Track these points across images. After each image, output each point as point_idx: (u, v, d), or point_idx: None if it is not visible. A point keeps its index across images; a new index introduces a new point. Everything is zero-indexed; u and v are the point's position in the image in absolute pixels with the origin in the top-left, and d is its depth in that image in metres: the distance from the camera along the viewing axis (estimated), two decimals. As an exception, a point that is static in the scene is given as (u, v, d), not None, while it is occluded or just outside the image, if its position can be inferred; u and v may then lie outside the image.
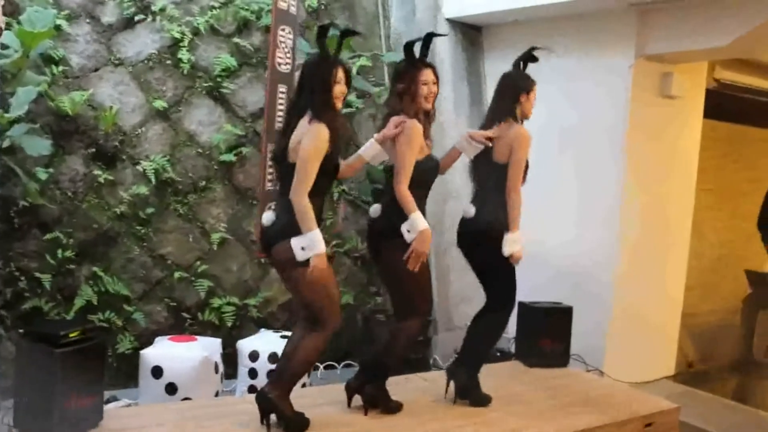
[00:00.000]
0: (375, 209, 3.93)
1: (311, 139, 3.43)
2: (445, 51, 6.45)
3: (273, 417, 3.62)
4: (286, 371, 3.63)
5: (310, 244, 3.39)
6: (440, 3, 6.55)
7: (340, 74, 3.56)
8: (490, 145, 4.14)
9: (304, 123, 3.51)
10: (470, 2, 6.35)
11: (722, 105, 6.99)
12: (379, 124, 4.12)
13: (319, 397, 4.24)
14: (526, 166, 4.12)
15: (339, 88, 3.56)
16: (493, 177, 4.14)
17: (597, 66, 5.74)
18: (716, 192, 7.64)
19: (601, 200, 5.67)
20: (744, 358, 7.31)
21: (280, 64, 4.97)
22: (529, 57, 4.30)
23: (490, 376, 4.68)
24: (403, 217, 3.69)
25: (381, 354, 4.03)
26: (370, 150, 3.85)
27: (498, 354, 5.39)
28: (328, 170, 3.55)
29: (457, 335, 5.95)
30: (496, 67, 6.61)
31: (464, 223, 4.27)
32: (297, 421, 3.65)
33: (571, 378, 5.05)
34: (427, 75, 3.90)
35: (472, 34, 6.69)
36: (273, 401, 3.58)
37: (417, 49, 3.92)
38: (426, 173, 3.89)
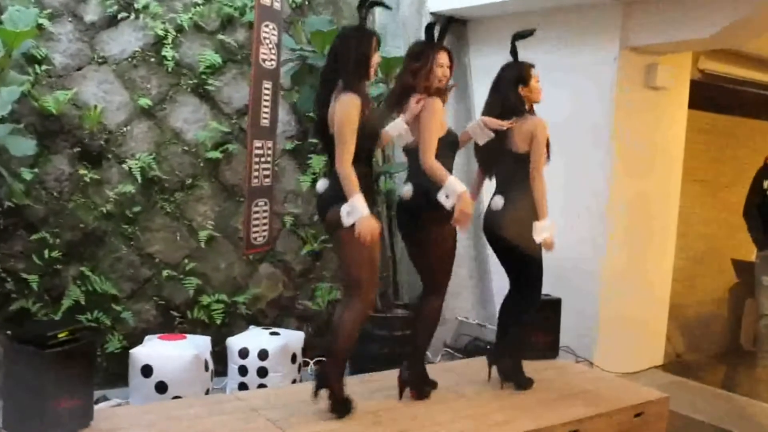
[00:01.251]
0: (408, 189, 4.01)
1: (342, 110, 3.55)
2: (430, 45, 6.44)
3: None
4: (333, 348, 3.77)
5: (351, 209, 3.50)
6: (425, -3, 6.54)
7: (374, 44, 3.71)
8: (504, 127, 4.21)
9: (335, 95, 3.63)
10: (455, -5, 6.35)
11: (707, 96, 7.03)
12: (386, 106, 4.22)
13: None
14: (548, 148, 4.27)
15: (375, 58, 3.70)
16: (516, 168, 4.26)
17: (582, 58, 5.76)
18: (701, 183, 7.68)
19: (588, 192, 5.70)
20: (732, 347, 7.37)
21: (264, 61, 4.95)
22: (520, 37, 4.36)
23: (479, 369, 4.70)
24: (437, 189, 3.79)
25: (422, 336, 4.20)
26: (396, 128, 3.99)
27: (488, 347, 5.41)
28: (369, 135, 3.67)
29: (447, 328, 5.99)
30: (481, 60, 6.63)
31: (492, 214, 4.36)
32: (343, 404, 3.81)
33: (561, 370, 5.07)
34: (443, 57, 4.03)
35: (457, 27, 6.68)
36: (328, 379, 3.75)
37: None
38: (446, 148, 4.00)
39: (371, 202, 3.67)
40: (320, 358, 5.68)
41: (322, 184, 3.77)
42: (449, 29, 4.18)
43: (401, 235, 4.26)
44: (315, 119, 3.85)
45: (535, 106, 4.37)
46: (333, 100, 3.64)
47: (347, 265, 3.78)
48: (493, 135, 4.24)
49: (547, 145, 4.27)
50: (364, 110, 3.59)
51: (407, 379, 4.16)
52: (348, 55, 3.65)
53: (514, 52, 4.36)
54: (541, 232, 4.17)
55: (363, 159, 3.66)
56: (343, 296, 3.90)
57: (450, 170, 3.96)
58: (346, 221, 3.51)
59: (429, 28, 4.10)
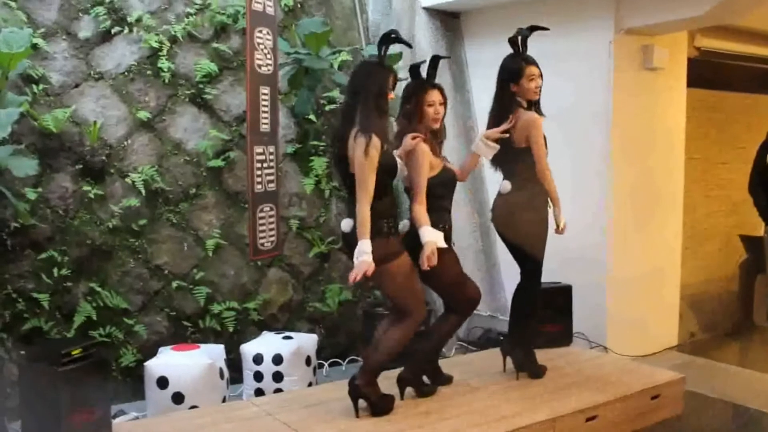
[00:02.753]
0: (404, 224, 4.08)
1: (362, 154, 3.60)
2: (424, 40, 6.44)
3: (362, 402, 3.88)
4: (371, 360, 3.88)
5: (358, 252, 3.59)
6: (417, -8, 6.54)
7: (393, 81, 3.78)
8: (507, 135, 4.27)
9: (354, 133, 3.68)
10: (446, -11, 6.34)
11: (705, 73, 7.00)
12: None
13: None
14: (545, 144, 4.30)
15: (390, 95, 3.77)
16: (518, 160, 4.31)
17: (578, 44, 5.75)
18: (702, 160, 7.66)
19: (592, 177, 5.68)
20: (744, 324, 7.35)
21: (260, 66, 4.95)
22: (522, 37, 4.36)
23: (493, 361, 4.71)
24: (434, 227, 3.88)
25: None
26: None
27: (500, 337, 5.40)
28: (388, 170, 3.74)
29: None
30: (476, 52, 6.63)
31: (499, 200, 4.42)
32: (381, 404, 3.89)
33: (575, 356, 5.07)
34: (433, 96, 4.06)
35: (450, 21, 6.68)
36: (359, 388, 3.84)
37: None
38: (441, 187, 4.08)
39: (396, 228, 3.85)
40: (335, 360, 5.71)
41: (347, 224, 3.81)
42: (437, 65, 4.18)
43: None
44: (334, 153, 3.95)
45: None
46: (352, 137, 3.67)
47: (390, 296, 3.96)
48: (498, 147, 4.29)
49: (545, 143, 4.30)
50: (383, 147, 3.65)
51: (405, 378, 4.16)
52: (366, 92, 3.70)
53: (514, 44, 4.34)
54: (561, 218, 4.30)
55: (385, 192, 3.75)
56: (390, 313, 4.02)
57: (446, 208, 4.14)
58: (356, 261, 3.59)
59: (413, 69, 4.15)
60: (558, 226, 4.33)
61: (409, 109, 4.07)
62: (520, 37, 4.33)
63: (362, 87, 3.74)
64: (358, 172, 3.63)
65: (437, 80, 4.17)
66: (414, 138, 3.97)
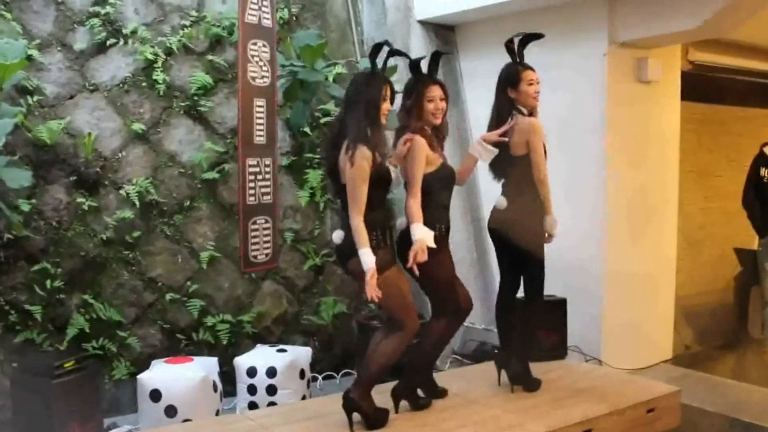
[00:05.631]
0: (401, 221, 4.07)
1: (353, 166, 3.59)
2: (419, 52, 6.45)
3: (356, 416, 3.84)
4: (365, 372, 3.86)
5: (360, 261, 3.57)
6: (411, 5, 6.55)
7: (387, 91, 3.75)
8: (506, 140, 4.24)
9: (346, 144, 3.67)
10: (441, 2, 6.36)
11: (699, 86, 7.04)
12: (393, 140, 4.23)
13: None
14: (544, 151, 4.26)
15: (386, 105, 3.73)
16: (516, 170, 4.28)
17: (573, 57, 5.77)
18: (696, 173, 7.69)
19: (587, 189, 5.69)
20: (739, 336, 7.35)
21: (254, 78, 4.95)
22: (519, 44, 4.36)
23: (488, 374, 4.69)
24: (430, 225, 3.84)
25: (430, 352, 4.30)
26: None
27: (495, 350, 5.39)
28: (380, 183, 3.71)
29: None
30: (471, 65, 6.64)
31: (497, 214, 4.40)
32: (376, 417, 3.86)
33: (570, 369, 5.06)
34: (433, 91, 4.05)
35: (445, 33, 6.70)
36: (354, 401, 3.80)
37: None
38: (438, 183, 4.04)
39: (389, 243, 3.79)
40: (329, 373, 5.69)
41: (338, 236, 3.79)
42: (439, 61, 4.19)
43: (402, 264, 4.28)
44: (327, 164, 3.94)
45: None
46: (343, 147, 3.67)
47: (382, 307, 3.93)
48: (496, 151, 4.25)
49: (544, 151, 4.28)
50: (375, 158, 3.63)
51: (400, 391, 4.13)
52: (358, 103, 3.70)
53: (512, 52, 4.34)
54: (552, 223, 4.26)
55: (378, 204, 3.72)
56: (383, 325, 4.00)
57: (444, 206, 4.10)
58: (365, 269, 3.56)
59: (413, 65, 4.14)
60: (548, 233, 4.30)
61: (409, 104, 4.05)
62: (516, 43, 4.32)
63: (354, 97, 3.74)
64: (349, 183, 3.62)
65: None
66: (405, 142, 3.96)
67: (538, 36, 4.36)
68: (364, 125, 3.65)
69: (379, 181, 3.69)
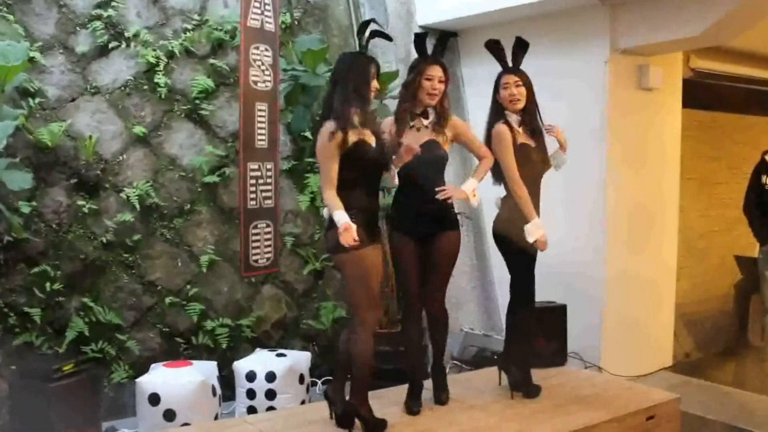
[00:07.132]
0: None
1: (319, 139, 3.60)
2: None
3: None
4: (354, 377, 3.79)
5: (336, 221, 3.47)
6: (413, 11, 6.56)
7: (373, 70, 3.72)
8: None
9: None
10: (443, 8, 6.37)
11: (700, 93, 7.04)
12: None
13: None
14: (527, 153, 4.20)
15: (374, 84, 3.72)
16: (500, 173, 4.28)
17: (574, 63, 5.78)
18: (697, 180, 7.69)
19: (587, 197, 5.69)
20: (739, 344, 7.34)
21: (256, 83, 4.95)
22: (517, 49, 4.32)
23: (487, 380, 4.68)
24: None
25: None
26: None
27: (494, 357, 5.38)
28: (354, 162, 3.60)
29: (454, 341, 5.96)
30: (472, 70, 6.65)
31: (496, 217, 4.42)
32: (375, 424, 3.81)
33: (570, 376, 5.04)
34: (433, 70, 4.01)
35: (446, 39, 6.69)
36: (353, 407, 3.77)
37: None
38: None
39: (375, 237, 3.71)
40: (328, 378, 5.67)
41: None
42: (446, 43, 4.17)
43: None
44: (314, 145, 3.86)
45: None
46: None
47: (348, 289, 3.85)
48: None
49: (522, 147, 4.20)
50: (347, 135, 3.56)
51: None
52: (345, 81, 3.66)
53: (494, 53, 4.31)
54: (533, 232, 4.13)
55: (355, 184, 3.63)
56: (349, 324, 3.91)
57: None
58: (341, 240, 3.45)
59: (418, 38, 4.11)
60: (537, 240, 4.16)
61: (408, 80, 4.04)
62: (495, 49, 4.28)
63: (341, 77, 3.70)
64: (318, 157, 3.62)
65: None
66: (407, 151, 3.81)
67: (522, 44, 4.30)
68: (347, 103, 3.60)
69: (352, 159, 3.60)
